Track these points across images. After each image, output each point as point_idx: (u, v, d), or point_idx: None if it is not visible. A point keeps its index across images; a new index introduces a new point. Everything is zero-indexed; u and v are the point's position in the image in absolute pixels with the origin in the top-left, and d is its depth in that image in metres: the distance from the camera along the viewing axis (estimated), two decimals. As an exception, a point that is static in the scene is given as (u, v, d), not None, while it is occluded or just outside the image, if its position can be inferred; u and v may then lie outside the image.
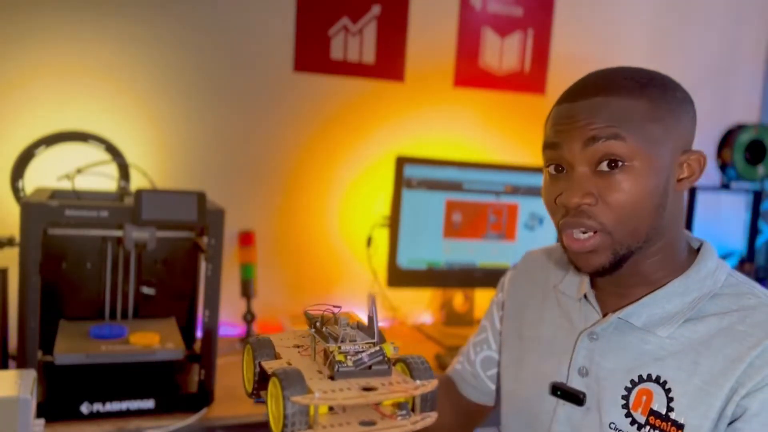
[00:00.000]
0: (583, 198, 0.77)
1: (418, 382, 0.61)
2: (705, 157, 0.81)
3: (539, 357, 0.93)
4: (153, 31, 1.72)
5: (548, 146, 0.81)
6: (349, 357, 0.60)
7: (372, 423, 0.58)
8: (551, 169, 0.82)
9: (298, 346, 0.69)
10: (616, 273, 0.81)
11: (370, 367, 0.60)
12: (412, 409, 0.61)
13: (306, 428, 0.56)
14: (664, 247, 0.82)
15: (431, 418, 0.61)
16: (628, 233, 0.77)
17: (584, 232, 0.78)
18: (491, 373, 1.06)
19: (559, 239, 0.83)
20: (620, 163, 0.75)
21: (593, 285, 0.89)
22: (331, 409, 0.60)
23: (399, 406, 0.61)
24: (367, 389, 0.58)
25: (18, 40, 1.61)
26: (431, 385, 0.61)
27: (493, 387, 1.06)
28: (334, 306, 0.68)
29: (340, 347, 0.61)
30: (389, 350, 0.63)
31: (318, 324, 0.66)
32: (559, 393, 0.87)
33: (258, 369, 0.66)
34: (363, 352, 0.61)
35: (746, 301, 0.79)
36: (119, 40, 1.69)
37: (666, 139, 0.77)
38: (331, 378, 0.60)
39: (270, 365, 0.64)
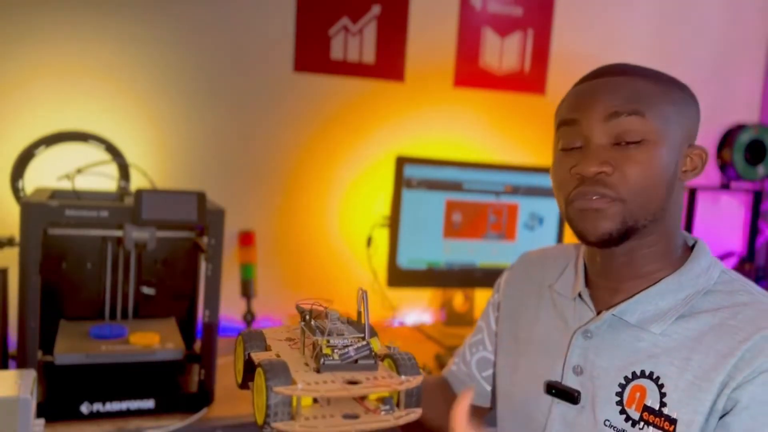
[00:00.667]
0: (601, 166, 0.77)
1: (403, 377, 0.61)
2: (707, 153, 0.83)
3: (535, 357, 0.93)
4: (153, 31, 1.72)
5: (565, 123, 0.82)
6: (336, 350, 0.60)
7: (355, 416, 0.58)
8: (565, 145, 0.82)
9: (289, 339, 0.70)
10: (615, 263, 0.83)
11: (356, 361, 0.61)
12: (397, 405, 0.62)
13: (288, 419, 0.57)
14: (661, 239, 0.82)
15: (416, 414, 0.61)
16: (640, 205, 0.78)
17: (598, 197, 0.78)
18: (487, 374, 1.05)
19: (566, 215, 0.82)
20: (638, 139, 0.77)
21: (587, 284, 0.90)
22: (315, 401, 0.60)
23: (383, 400, 0.61)
24: (351, 383, 0.58)
25: (18, 40, 1.61)
26: (416, 380, 0.61)
27: (488, 388, 1.05)
28: (324, 300, 0.68)
29: (328, 341, 0.61)
30: (376, 345, 0.64)
31: (307, 317, 0.67)
32: (553, 392, 0.87)
33: (247, 359, 0.67)
34: (350, 346, 0.61)
35: (739, 297, 0.80)
36: (119, 40, 1.69)
37: (679, 123, 0.80)
38: (317, 371, 0.60)
39: (258, 356, 0.65)
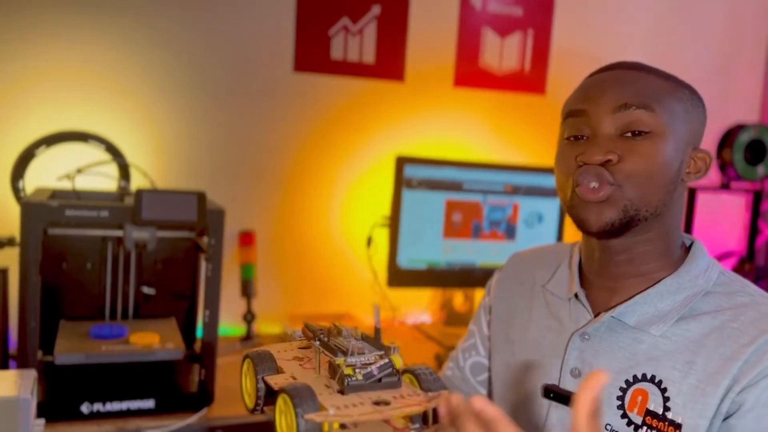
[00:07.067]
0: (606, 155, 0.77)
1: (429, 393, 0.60)
2: (711, 157, 0.84)
3: (529, 359, 0.92)
4: (153, 32, 1.72)
5: (573, 113, 0.83)
6: (357, 370, 0.59)
7: None
8: (571, 135, 0.82)
9: (297, 359, 0.68)
10: (614, 259, 0.83)
11: (380, 380, 0.59)
12: (424, 421, 0.60)
13: None
14: (660, 237, 0.82)
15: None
16: (641, 196, 0.78)
17: (599, 184, 0.78)
18: (481, 379, 1.05)
19: (568, 203, 0.81)
20: (645, 132, 0.78)
21: (583, 284, 0.89)
22: (342, 425, 0.58)
23: (411, 419, 0.60)
24: (378, 403, 0.56)
25: (19, 41, 1.61)
26: (442, 396, 0.60)
27: (483, 392, 1.05)
28: (333, 318, 0.67)
29: (346, 360, 0.59)
30: (398, 362, 0.62)
31: (323, 337, 0.65)
32: (551, 395, 0.86)
33: (261, 384, 0.65)
34: (372, 364, 0.59)
35: (738, 299, 0.80)
36: (120, 40, 1.69)
37: (685, 122, 0.81)
38: (341, 392, 0.58)
39: (275, 380, 0.62)
